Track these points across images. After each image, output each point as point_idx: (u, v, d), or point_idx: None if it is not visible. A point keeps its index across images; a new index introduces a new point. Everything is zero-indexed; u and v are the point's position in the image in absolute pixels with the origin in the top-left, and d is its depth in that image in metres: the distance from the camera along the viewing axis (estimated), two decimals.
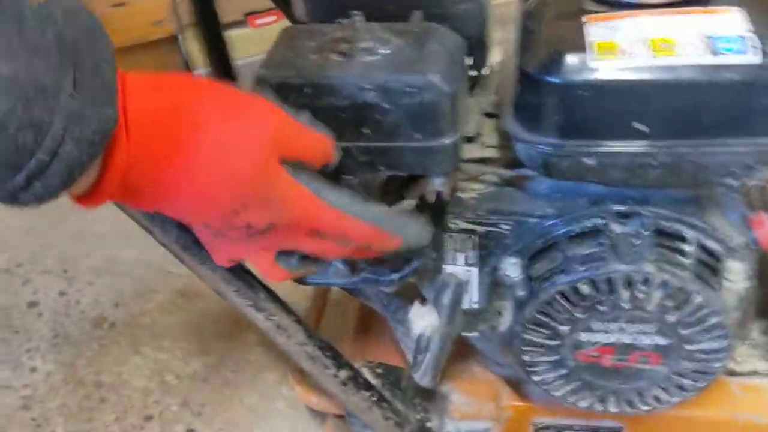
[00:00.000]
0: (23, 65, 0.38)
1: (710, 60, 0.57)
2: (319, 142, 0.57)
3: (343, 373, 0.71)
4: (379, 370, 0.78)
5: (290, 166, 0.53)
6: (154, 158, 0.46)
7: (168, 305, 1.25)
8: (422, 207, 0.70)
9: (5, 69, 0.37)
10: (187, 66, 1.98)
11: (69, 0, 0.42)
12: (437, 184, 0.64)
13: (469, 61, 0.76)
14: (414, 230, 0.64)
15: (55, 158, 0.40)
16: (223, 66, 0.88)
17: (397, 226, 0.62)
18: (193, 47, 1.92)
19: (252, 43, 1.30)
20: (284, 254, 0.59)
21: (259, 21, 1.87)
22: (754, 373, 0.79)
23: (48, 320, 1.24)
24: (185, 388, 1.11)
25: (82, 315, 1.25)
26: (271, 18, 1.85)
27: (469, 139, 0.72)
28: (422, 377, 0.68)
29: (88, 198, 0.46)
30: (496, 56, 0.79)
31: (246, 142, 0.50)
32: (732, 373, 0.79)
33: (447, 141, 0.60)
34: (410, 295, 0.79)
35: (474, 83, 0.81)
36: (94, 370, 1.15)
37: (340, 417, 0.89)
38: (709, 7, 0.61)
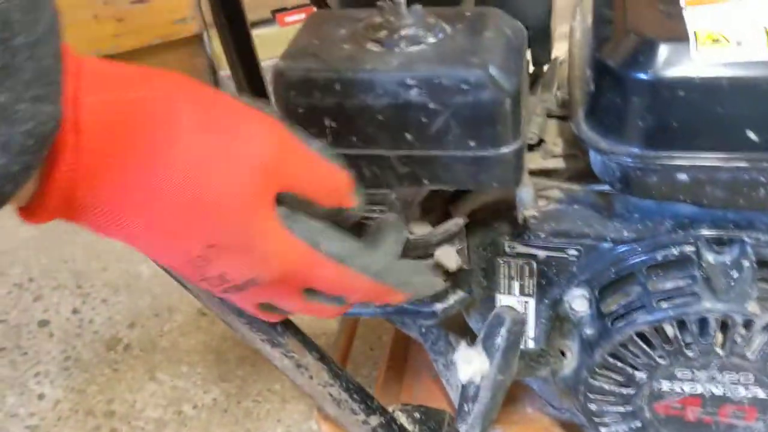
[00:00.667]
0: None
1: None
2: (331, 178, 0.45)
3: (374, 420, 0.61)
4: (416, 415, 0.67)
5: (287, 204, 0.42)
6: (109, 171, 0.35)
7: (187, 326, 1.17)
8: (471, 226, 0.60)
9: None
10: (213, 67, 1.91)
11: None
12: (527, 204, 0.53)
13: (531, 54, 0.65)
14: (425, 280, 0.54)
15: None
16: (249, 68, 0.78)
17: (406, 278, 0.51)
18: (219, 47, 1.85)
19: (280, 42, 1.21)
20: None
21: (288, 18, 1.78)
22: None
23: (59, 341, 1.16)
24: (203, 420, 1.02)
25: (95, 335, 1.17)
26: (302, 15, 1.76)
27: (530, 147, 0.61)
28: (469, 431, 0.57)
29: (29, 213, 0.35)
30: (558, 50, 0.69)
31: (231, 164, 0.38)
32: None
33: (508, 149, 0.49)
34: (453, 322, 0.69)
35: (535, 80, 0.70)
36: (105, 398, 1.06)
37: None
38: None
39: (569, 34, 0.65)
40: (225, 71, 1.90)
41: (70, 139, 0.33)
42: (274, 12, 1.80)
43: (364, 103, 0.49)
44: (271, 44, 1.33)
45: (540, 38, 0.64)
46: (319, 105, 0.50)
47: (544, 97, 0.65)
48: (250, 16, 1.80)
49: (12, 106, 0.30)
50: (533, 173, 0.60)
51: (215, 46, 1.85)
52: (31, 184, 0.34)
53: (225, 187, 0.38)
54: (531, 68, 0.71)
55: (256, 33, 1.82)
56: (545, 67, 0.71)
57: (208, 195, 0.38)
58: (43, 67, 0.31)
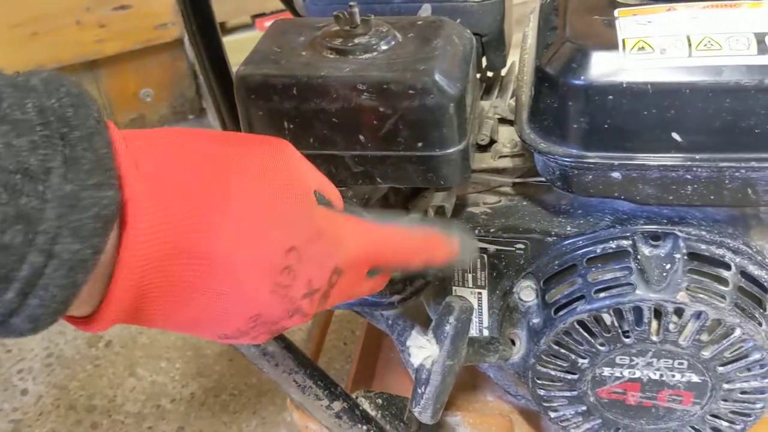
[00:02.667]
0: (1, 145, 0.31)
1: (759, 60, 0.50)
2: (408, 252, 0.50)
3: (338, 405, 0.65)
4: (379, 401, 0.71)
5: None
6: (177, 232, 0.37)
7: None
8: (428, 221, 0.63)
9: None
10: (195, 71, 1.94)
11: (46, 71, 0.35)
12: (439, 199, 0.57)
13: (485, 60, 0.69)
14: (468, 243, 0.57)
15: (52, 258, 0.32)
16: (221, 74, 0.81)
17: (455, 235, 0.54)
18: None
19: None
20: None
21: (267, 23, 1.82)
22: None
23: (42, 338, 1.19)
24: (181, 414, 1.05)
25: (77, 333, 1.19)
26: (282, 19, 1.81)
27: (482, 148, 0.65)
28: (421, 413, 0.60)
29: (91, 318, 0.37)
30: (515, 56, 0.72)
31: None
32: None
33: (452, 150, 0.53)
34: (419, 314, 0.72)
35: (490, 85, 0.74)
36: (86, 394, 1.09)
37: None
38: (759, 1, 0.53)
39: (522, 40, 0.69)
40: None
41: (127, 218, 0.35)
42: (254, 17, 1.84)
43: (319, 107, 0.52)
44: (250, 48, 1.38)
45: (494, 45, 0.67)
46: (278, 108, 0.53)
47: (497, 102, 0.68)
48: (231, 21, 1.84)
49: (78, 194, 0.32)
50: (484, 171, 0.64)
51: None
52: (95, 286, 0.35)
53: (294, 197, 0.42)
54: (490, 73, 0.75)
55: (236, 38, 1.86)
56: (504, 71, 0.75)
57: (280, 205, 0.41)
58: (100, 156, 0.34)
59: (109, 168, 0.34)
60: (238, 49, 1.08)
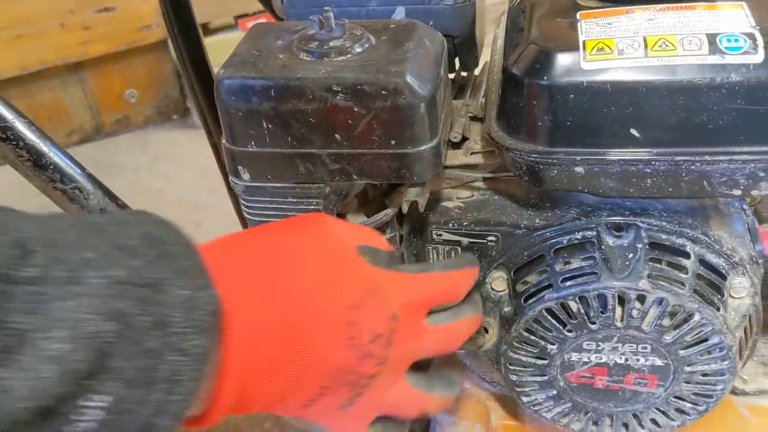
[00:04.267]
0: (125, 267, 0.36)
1: (711, 59, 0.53)
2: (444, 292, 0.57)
3: None
4: None
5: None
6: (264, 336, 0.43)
7: None
8: (403, 217, 0.66)
9: (118, 273, 0.35)
10: (178, 72, 1.96)
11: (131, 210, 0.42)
12: (412, 194, 0.60)
13: (458, 61, 0.72)
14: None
15: (184, 355, 0.36)
16: (202, 74, 0.84)
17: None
18: None
19: None
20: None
21: (249, 24, 1.85)
22: (763, 392, 0.75)
23: None
24: None
25: None
26: (262, 21, 1.84)
27: (455, 145, 0.67)
28: None
29: (205, 411, 0.42)
30: (488, 56, 0.75)
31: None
32: (739, 393, 0.74)
33: (424, 148, 0.56)
34: None
35: (464, 84, 0.77)
36: None
37: None
38: (714, 3, 0.56)
39: (493, 41, 0.72)
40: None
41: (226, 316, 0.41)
42: (237, 18, 1.86)
43: (297, 108, 0.55)
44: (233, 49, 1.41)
45: (466, 46, 0.70)
46: (257, 109, 0.56)
47: (469, 101, 0.71)
48: (214, 22, 1.86)
49: (192, 297, 0.38)
50: (457, 168, 0.67)
51: None
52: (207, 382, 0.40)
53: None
54: (464, 73, 0.78)
55: (219, 38, 1.89)
56: (477, 71, 0.78)
57: (334, 273, 0.48)
58: (198, 263, 0.40)
59: (206, 271, 0.40)
60: (221, 49, 1.11)
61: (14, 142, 0.55)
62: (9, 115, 0.55)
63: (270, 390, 0.44)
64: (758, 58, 0.52)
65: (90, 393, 0.33)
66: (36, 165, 0.56)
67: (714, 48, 0.53)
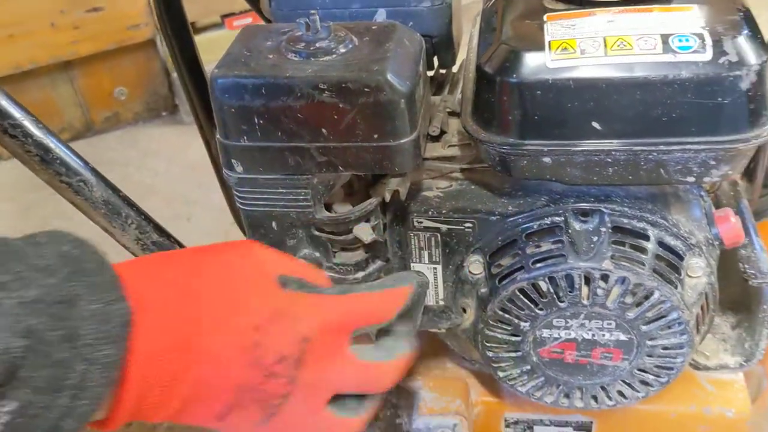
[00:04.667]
0: (39, 286, 0.40)
1: (665, 58, 0.57)
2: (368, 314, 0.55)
3: None
4: None
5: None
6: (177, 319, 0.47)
7: None
8: (386, 205, 0.71)
9: (28, 293, 0.39)
10: (167, 70, 2.00)
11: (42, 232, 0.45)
12: (393, 184, 0.64)
13: (436, 59, 0.76)
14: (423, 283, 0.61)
15: (93, 364, 0.40)
16: (194, 71, 0.88)
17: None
18: None
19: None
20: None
21: (236, 23, 1.90)
22: (723, 367, 0.80)
23: None
24: None
25: None
26: (248, 20, 1.88)
27: (434, 138, 0.72)
28: None
29: (107, 417, 0.45)
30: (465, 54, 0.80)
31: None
32: (701, 368, 0.80)
33: (404, 140, 0.61)
34: None
35: (442, 81, 0.81)
36: None
37: None
38: (668, 5, 0.61)
39: (469, 40, 0.76)
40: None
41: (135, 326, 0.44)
42: (223, 17, 1.90)
43: (286, 104, 0.59)
44: (220, 47, 1.45)
45: (444, 45, 0.75)
46: (249, 106, 0.60)
47: (447, 97, 0.76)
48: (202, 21, 1.90)
49: (105, 310, 0.42)
50: (436, 160, 0.71)
51: (167, 50, 1.94)
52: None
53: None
54: (442, 70, 0.83)
55: (207, 36, 1.93)
56: (454, 69, 0.83)
57: (242, 296, 0.50)
58: (112, 279, 0.44)
59: (119, 286, 0.44)
60: (208, 47, 1.14)
61: (23, 139, 0.58)
62: (17, 114, 0.59)
63: (172, 400, 0.47)
64: (707, 56, 0.57)
65: (1, 399, 0.38)
66: (43, 160, 0.59)
67: (667, 47, 0.58)
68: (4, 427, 0.38)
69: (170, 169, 1.90)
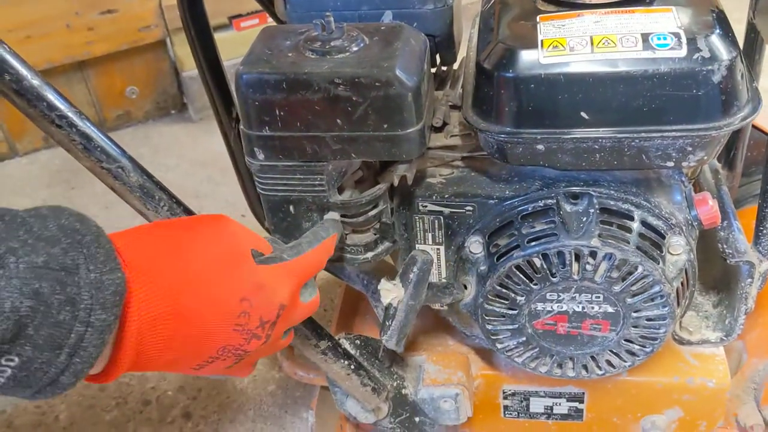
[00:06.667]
0: (45, 254, 0.44)
1: (645, 54, 0.64)
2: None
3: (323, 344, 0.77)
4: (357, 341, 0.84)
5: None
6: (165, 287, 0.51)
7: None
8: (393, 191, 0.77)
9: (36, 260, 0.43)
10: (176, 69, 2.06)
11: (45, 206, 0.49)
12: (402, 170, 0.71)
13: (439, 57, 0.83)
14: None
15: (89, 327, 0.45)
16: (213, 69, 0.94)
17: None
18: (181, 51, 2.01)
19: (237, 45, 1.39)
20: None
21: (243, 24, 1.95)
22: (705, 341, 0.86)
23: None
24: (181, 374, 1.16)
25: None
26: (255, 21, 1.93)
27: (437, 129, 0.78)
28: (388, 340, 0.74)
29: (104, 371, 0.50)
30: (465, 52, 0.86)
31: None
32: (685, 342, 0.86)
33: (411, 130, 0.67)
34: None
35: (444, 77, 0.88)
36: None
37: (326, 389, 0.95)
38: (649, 7, 0.68)
39: (469, 39, 0.83)
40: (186, 72, 2.06)
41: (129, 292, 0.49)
42: (231, 18, 1.95)
43: (304, 97, 0.66)
44: (228, 47, 1.50)
45: (445, 44, 0.81)
46: (271, 99, 0.66)
47: (449, 91, 0.82)
48: (210, 22, 1.95)
49: (100, 279, 0.46)
50: (439, 148, 0.78)
51: (177, 50, 2.01)
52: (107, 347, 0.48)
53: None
54: (444, 67, 0.89)
55: (215, 37, 1.98)
56: (455, 66, 0.89)
57: (228, 270, 0.56)
58: (108, 250, 0.48)
59: (115, 258, 0.48)
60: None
61: (68, 129, 0.63)
62: (62, 106, 0.64)
63: (163, 358, 0.52)
64: (682, 52, 0.63)
65: (6, 354, 0.42)
66: (86, 148, 0.64)
67: (647, 45, 0.64)
68: (7, 380, 0.43)
69: (180, 164, 1.96)
